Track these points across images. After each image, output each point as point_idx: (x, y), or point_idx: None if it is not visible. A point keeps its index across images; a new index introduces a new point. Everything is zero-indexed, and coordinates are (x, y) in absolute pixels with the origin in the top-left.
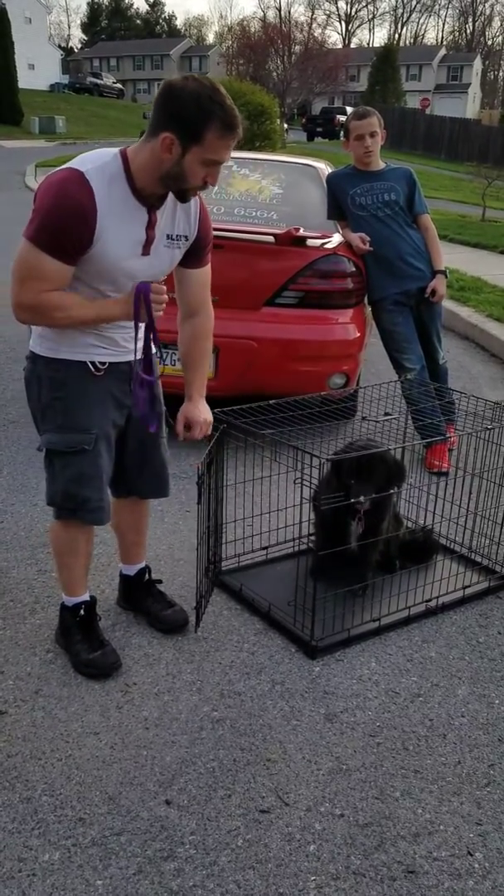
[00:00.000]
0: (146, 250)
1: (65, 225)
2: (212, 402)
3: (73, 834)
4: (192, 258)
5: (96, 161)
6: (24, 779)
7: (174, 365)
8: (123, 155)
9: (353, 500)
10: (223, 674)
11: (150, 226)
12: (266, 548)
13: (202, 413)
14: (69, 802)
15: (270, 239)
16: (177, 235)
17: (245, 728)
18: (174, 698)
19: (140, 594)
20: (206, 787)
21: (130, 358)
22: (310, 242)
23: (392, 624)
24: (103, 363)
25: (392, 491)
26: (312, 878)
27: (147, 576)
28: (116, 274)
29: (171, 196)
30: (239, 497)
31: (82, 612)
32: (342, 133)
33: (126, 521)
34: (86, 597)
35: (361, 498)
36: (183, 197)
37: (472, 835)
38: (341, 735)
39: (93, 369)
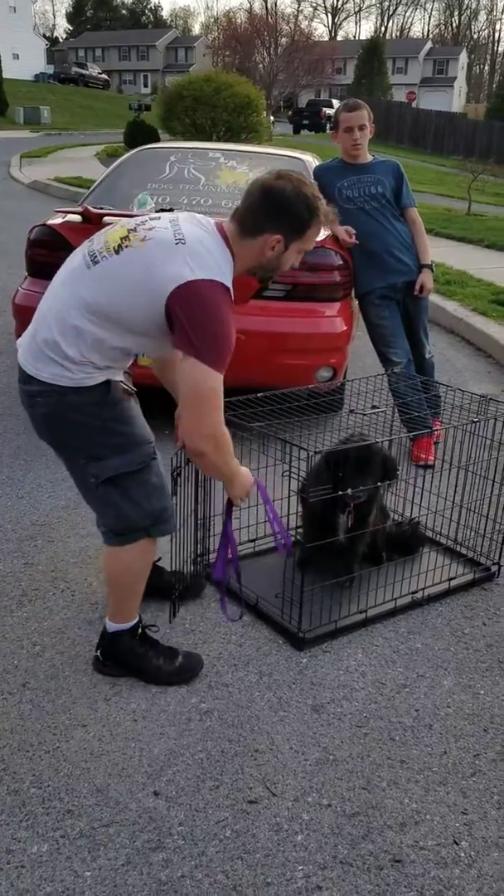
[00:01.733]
0: None
1: (230, 340)
2: None
3: (61, 826)
4: None
5: (223, 267)
6: (11, 771)
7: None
8: (229, 246)
9: (349, 493)
10: (211, 665)
11: None
12: (254, 540)
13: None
14: (57, 794)
15: None
16: None
17: (233, 719)
18: (162, 690)
19: (153, 571)
20: (194, 779)
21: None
22: None
23: (379, 615)
24: (131, 385)
25: (378, 485)
26: (300, 867)
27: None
28: None
29: None
30: (225, 492)
31: (140, 630)
32: (330, 125)
33: None
34: (137, 616)
35: (352, 491)
36: (266, 281)
37: (457, 824)
38: (328, 726)
39: (127, 389)
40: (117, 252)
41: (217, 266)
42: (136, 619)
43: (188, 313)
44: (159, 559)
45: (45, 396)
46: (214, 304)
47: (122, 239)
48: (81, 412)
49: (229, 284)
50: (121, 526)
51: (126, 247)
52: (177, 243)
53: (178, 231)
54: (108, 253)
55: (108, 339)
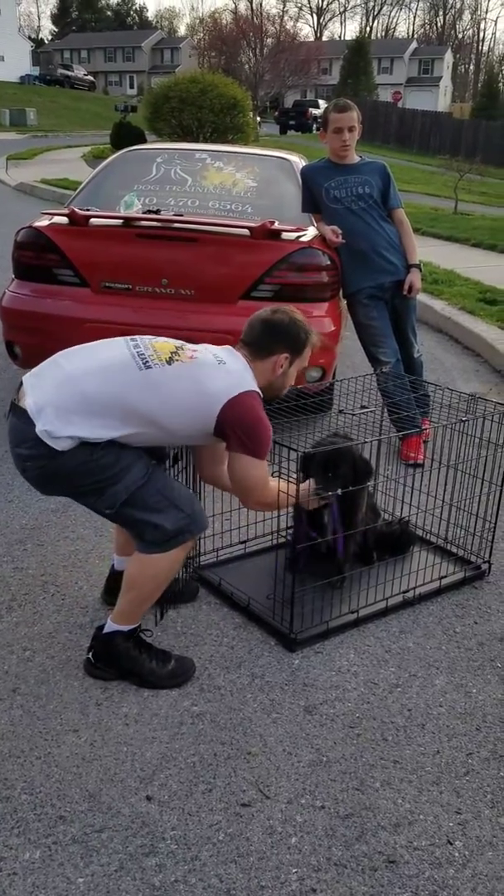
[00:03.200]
0: None
1: (270, 441)
2: None
3: (53, 832)
4: None
5: (252, 380)
6: (2, 778)
7: None
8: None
9: (320, 496)
10: (203, 668)
11: None
12: (245, 542)
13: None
14: (49, 800)
15: (245, 232)
16: None
17: (225, 722)
18: (154, 694)
19: None
20: (186, 782)
21: None
22: (285, 236)
23: (370, 615)
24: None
25: (363, 485)
26: (294, 870)
27: None
28: None
29: None
30: (217, 491)
31: (137, 632)
32: (318, 125)
33: None
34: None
35: (317, 490)
36: (270, 401)
37: (451, 824)
38: (321, 727)
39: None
40: (169, 363)
41: (251, 380)
42: (137, 624)
43: (238, 422)
44: None
45: (35, 461)
46: (257, 410)
47: (171, 353)
48: (72, 466)
49: (260, 393)
50: (161, 537)
51: (176, 360)
52: (219, 364)
53: (216, 355)
54: (160, 362)
55: (141, 434)
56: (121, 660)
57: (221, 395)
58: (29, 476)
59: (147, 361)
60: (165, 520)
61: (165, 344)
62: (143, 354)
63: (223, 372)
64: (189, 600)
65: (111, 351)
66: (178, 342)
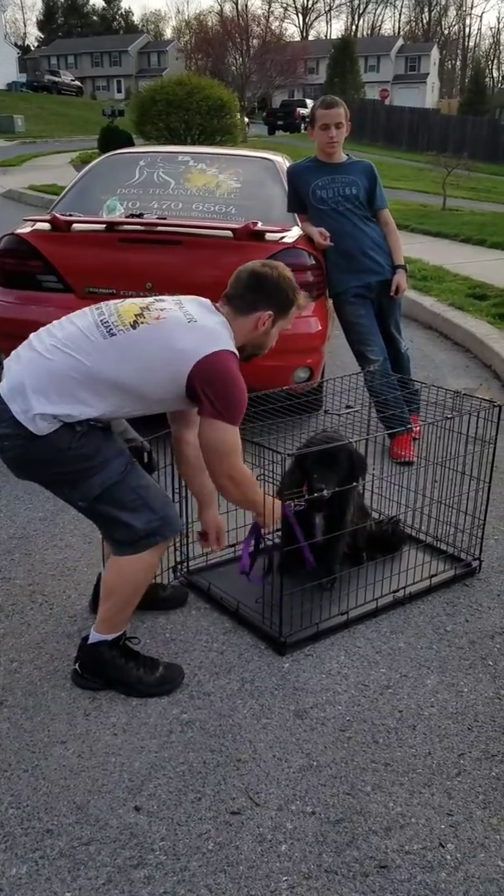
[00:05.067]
0: None
1: (245, 404)
2: None
3: (40, 846)
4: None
5: (230, 340)
6: None
7: None
8: (232, 331)
9: (315, 493)
10: (192, 675)
11: None
12: (233, 545)
13: (215, 522)
14: (36, 814)
15: (229, 234)
16: None
17: (215, 729)
18: (142, 702)
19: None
20: (175, 792)
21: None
22: (268, 236)
23: (360, 616)
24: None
25: (354, 484)
26: (284, 878)
27: None
28: None
29: None
30: None
31: (121, 641)
32: (305, 125)
33: None
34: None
35: (325, 491)
36: (249, 360)
37: (443, 826)
38: (311, 731)
39: (95, 423)
40: (134, 327)
41: (226, 338)
42: (122, 631)
43: (209, 383)
44: None
45: (13, 440)
46: (230, 371)
47: (136, 315)
48: (50, 451)
49: (236, 352)
50: (131, 536)
51: (142, 323)
52: (189, 322)
53: (187, 312)
54: (124, 327)
55: (117, 406)
56: (107, 669)
57: (191, 354)
58: (7, 457)
59: (111, 329)
60: (137, 519)
61: (131, 306)
62: (106, 322)
63: (194, 331)
64: (178, 606)
65: (79, 322)
66: (147, 301)
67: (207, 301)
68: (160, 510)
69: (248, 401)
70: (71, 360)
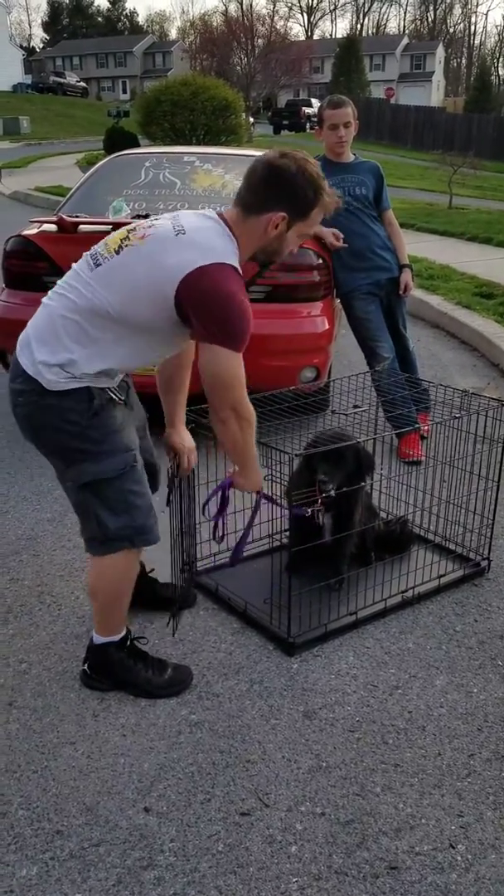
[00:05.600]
0: None
1: (248, 324)
2: None
3: (50, 847)
4: None
5: (230, 251)
6: None
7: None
8: (233, 232)
9: (319, 480)
10: (201, 675)
11: None
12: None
13: (186, 441)
14: (46, 815)
15: None
16: None
17: (223, 730)
18: (151, 703)
19: (147, 583)
20: (185, 793)
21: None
22: None
23: (369, 617)
24: (120, 392)
25: (362, 484)
26: (294, 879)
27: (144, 568)
28: None
29: None
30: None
31: (129, 642)
32: (310, 124)
33: None
34: (125, 629)
35: (329, 483)
36: (266, 266)
37: (453, 827)
38: (321, 732)
39: (116, 398)
40: (118, 252)
41: (221, 249)
42: (124, 632)
43: (199, 301)
44: (152, 570)
45: (27, 396)
46: (224, 285)
47: (121, 240)
48: (60, 416)
49: (237, 265)
50: (101, 534)
51: (126, 246)
52: (177, 235)
53: (178, 224)
54: (108, 254)
55: (113, 342)
56: (116, 670)
57: (176, 270)
58: (19, 414)
59: (97, 260)
60: (113, 521)
61: (119, 233)
62: (94, 255)
63: (181, 243)
64: (187, 607)
65: (77, 262)
66: (139, 223)
67: (210, 211)
68: (139, 519)
69: (252, 400)
70: (64, 300)
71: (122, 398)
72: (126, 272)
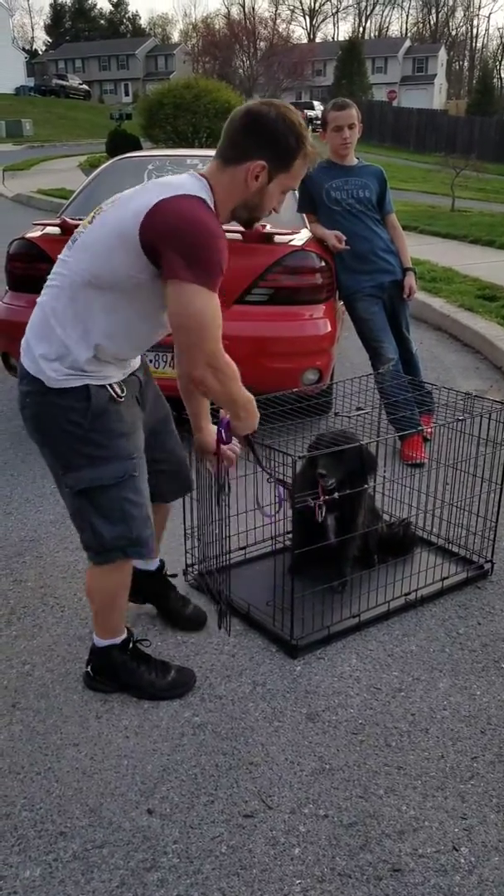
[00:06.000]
0: None
1: (220, 257)
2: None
3: (54, 849)
4: None
5: (199, 188)
6: (2, 794)
7: (172, 369)
8: (210, 183)
9: (318, 474)
10: (203, 678)
11: None
12: (244, 548)
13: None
14: (49, 816)
15: (237, 236)
16: None
17: (227, 732)
18: (154, 705)
19: (161, 588)
20: (188, 795)
21: (135, 367)
22: (277, 239)
23: (372, 619)
24: (121, 387)
25: (365, 486)
26: (297, 881)
27: (165, 569)
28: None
29: None
30: (215, 497)
31: (131, 644)
32: (313, 125)
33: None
34: (125, 632)
35: (328, 477)
36: (251, 225)
37: (457, 829)
38: (324, 734)
39: (114, 394)
40: (91, 222)
41: (190, 185)
42: (125, 635)
43: (163, 228)
44: (174, 575)
45: (32, 397)
46: (192, 212)
47: (95, 212)
48: (63, 417)
49: (208, 200)
50: (96, 544)
51: (99, 214)
52: (143, 187)
53: (146, 184)
54: (83, 229)
55: (101, 312)
56: (119, 673)
57: (141, 207)
58: (26, 415)
59: (75, 238)
60: (107, 530)
61: (95, 209)
62: (74, 236)
63: (146, 188)
64: (195, 629)
65: (60, 255)
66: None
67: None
68: (135, 531)
69: (257, 400)
70: (51, 291)
71: (123, 395)
72: (97, 232)
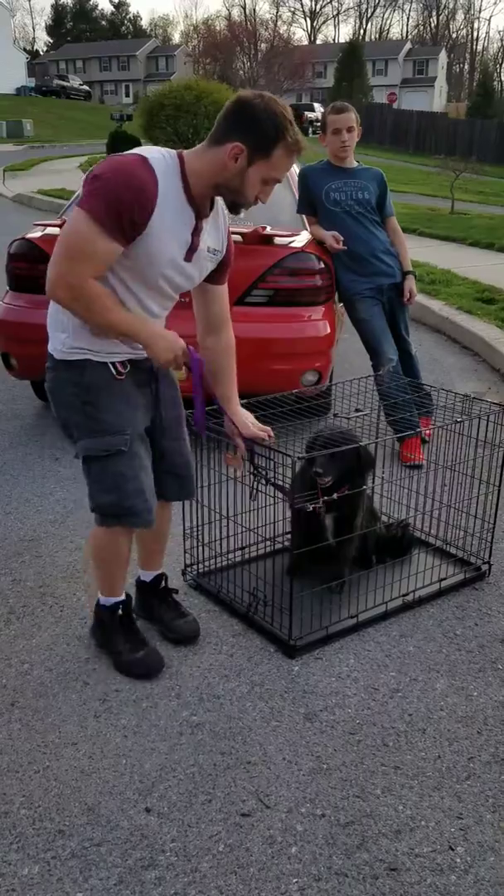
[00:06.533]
0: (189, 256)
1: (127, 199)
2: (185, 403)
3: (52, 846)
4: (219, 273)
5: (155, 153)
6: (1, 792)
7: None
8: (179, 156)
9: (314, 472)
10: (202, 678)
11: (196, 232)
12: (243, 548)
13: (251, 422)
14: (48, 815)
15: (238, 238)
16: (213, 249)
17: (224, 731)
18: (153, 705)
19: (154, 600)
20: (186, 793)
21: (146, 355)
22: (278, 240)
23: (370, 620)
24: (124, 366)
25: (363, 487)
26: (294, 880)
27: (163, 583)
28: (157, 277)
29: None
30: (213, 498)
31: (121, 611)
32: (312, 129)
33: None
34: (122, 597)
35: (324, 475)
36: (236, 209)
37: (453, 829)
38: (321, 734)
39: (114, 372)
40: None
41: (146, 150)
42: (118, 598)
43: (87, 178)
44: (176, 591)
45: (49, 372)
46: (113, 160)
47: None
48: (67, 390)
49: (152, 160)
50: (93, 505)
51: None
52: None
53: None
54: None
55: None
56: (102, 630)
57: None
58: (47, 390)
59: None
60: (101, 498)
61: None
62: None
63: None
64: (187, 642)
65: None
66: None
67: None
68: (126, 501)
69: (252, 403)
70: None
71: (125, 372)
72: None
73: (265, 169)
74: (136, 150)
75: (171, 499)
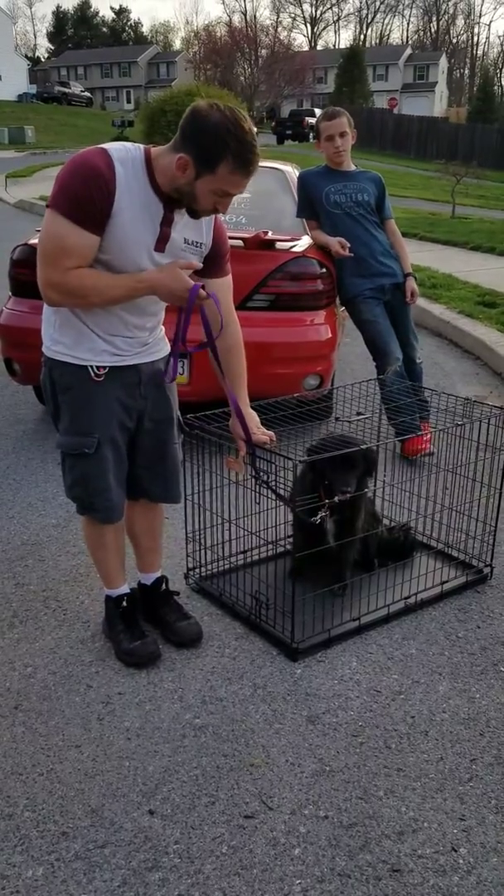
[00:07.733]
0: (160, 247)
1: (84, 187)
2: (185, 407)
3: (56, 849)
4: (211, 267)
5: (117, 145)
6: (5, 795)
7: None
8: (147, 150)
9: (336, 497)
10: (205, 680)
11: (166, 223)
12: (245, 551)
13: (255, 425)
14: (52, 817)
15: (239, 243)
16: (193, 241)
17: (227, 734)
18: (156, 707)
19: (155, 604)
20: (189, 796)
21: (133, 362)
22: (278, 245)
23: (372, 622)
24: (103, 368)
25: (365, 490)
26: (298, 881)
27: (164, 586)
28: (131, 266)
29: None
30: (215, 502)
31: (125, 603)
32: (313, 135)
33: (140, 525)
34: (125, 589)
35: (349, 489)
36: (194, 215)
37: (455, 830)
38: (324, 736)
39: (92, 374)
40: None
41: (112, 145)
42: (119, 591)
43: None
44: (177, 593)
45: (43, 366)
46: (77, 155)
47: None
48: (52, 386)
49: (111, 151)
50: (66, 494)
51: None
52: None
53: None
54: None
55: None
56: (107, 620)
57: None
58: (40, 381)
59: None
60: (70, 490)
61: None
62: None
63: None
64: (190, 645)
65: None
66: None
67: None
68: (90, 497)
69: (254, 407)
70: None
71: (102, 374)
72: None
73: (212, 183)
74: (100, 145)
75: (155, 500)
